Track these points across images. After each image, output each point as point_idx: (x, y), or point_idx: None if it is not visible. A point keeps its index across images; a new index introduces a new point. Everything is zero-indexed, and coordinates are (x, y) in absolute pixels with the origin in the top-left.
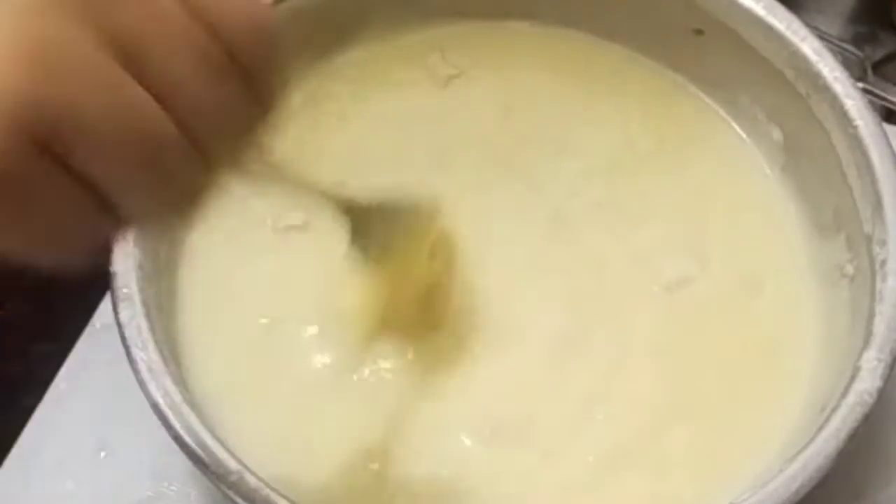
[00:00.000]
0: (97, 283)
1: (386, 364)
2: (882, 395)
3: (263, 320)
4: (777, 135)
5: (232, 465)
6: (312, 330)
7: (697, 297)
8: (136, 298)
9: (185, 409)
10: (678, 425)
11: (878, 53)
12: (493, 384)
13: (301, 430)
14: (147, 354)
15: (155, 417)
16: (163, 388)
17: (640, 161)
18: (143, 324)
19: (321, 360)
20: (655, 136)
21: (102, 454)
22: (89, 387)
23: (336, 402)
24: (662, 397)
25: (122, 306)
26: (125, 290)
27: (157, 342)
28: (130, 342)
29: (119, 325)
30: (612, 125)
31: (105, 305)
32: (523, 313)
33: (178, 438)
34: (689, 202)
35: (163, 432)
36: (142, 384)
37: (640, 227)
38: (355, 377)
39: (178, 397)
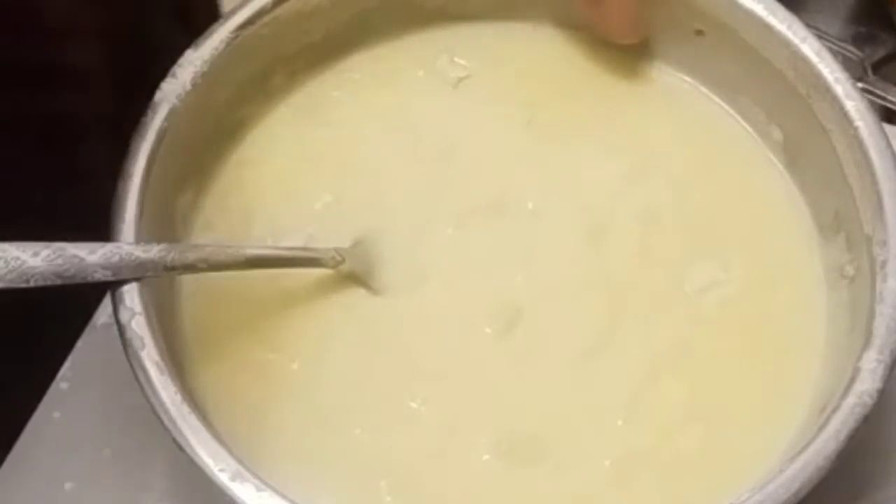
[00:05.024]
0: (96, 282)
1: None
2: (882, 395)
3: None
4: (777, 135)
5: (233, 467)
6: None
7: (721, 300)
8: (136, 297)
9: (185, 410)
10: (692, 428)
11: (878, 53)
12: (517, 388)
13: (305, 431)
14: (147, 353)
15: (156, 418)
16: (163, 388)
17: (658, 163)
18: (143, 322)
19: None
20: (671, 137)
21: (102, 454)
22: (89, 387)
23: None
24: (682, 400)
25: (121, 307)
26: (124, 291)
27: (156, 342)
28: (130, 341)
29: (118, 324)
30: (629, 125)
31: (105, 305)
32: (548, 318)
33: (177, 440)
34: (708, 204)
35: (163, 432)
36: (141, 385)
37: (664, 230)
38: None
39: (177, 397)
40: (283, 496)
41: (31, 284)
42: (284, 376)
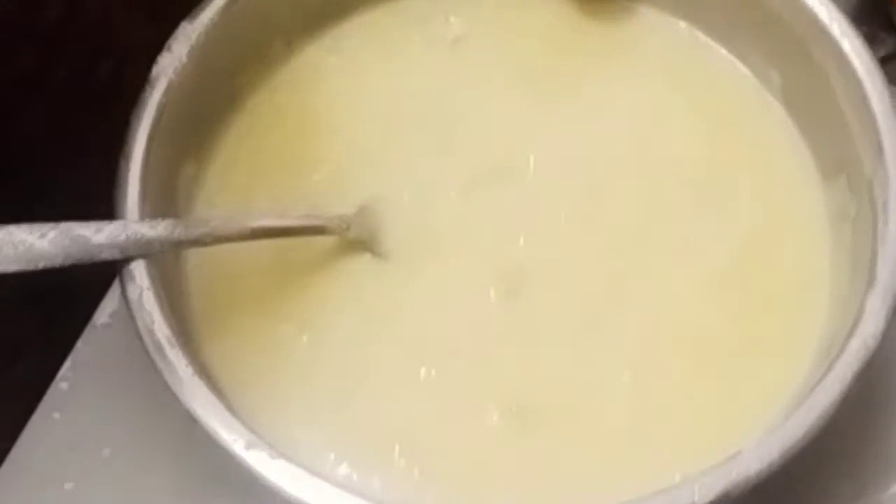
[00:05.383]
0: (97, 282)
1: None
2: (884, 390)
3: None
4: (776, 78)
5: (247, 436)
6: None
7: (726, 250)
8: (144, 273)
9: (198, 382)
10: (700, 379)
11: (878, 53)
12: (524, 350)
13: (316, 401)
14: (157, 328)
15: (155, 417)
16: (175, 361)
17: (659, 115)
18: (151, 298)
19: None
20: (671, 87)
21: (103, 454)
22: (89, 387)
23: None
24: (689, 353)
25: (129, 284)
26: (132, 268)
27: (165, 317)
28: (140, 317)
29: (127, 301)
30: (629, 79)
31: (105, 305)
32: (554, 279)
33: (192, 412)
34: (710, 152)
35: (163, 432)
36: (153, 359)
37: (666, 183)
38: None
39: (189, 370)
40: (298, 463)
41: (40, 266)
42: (294, 347)
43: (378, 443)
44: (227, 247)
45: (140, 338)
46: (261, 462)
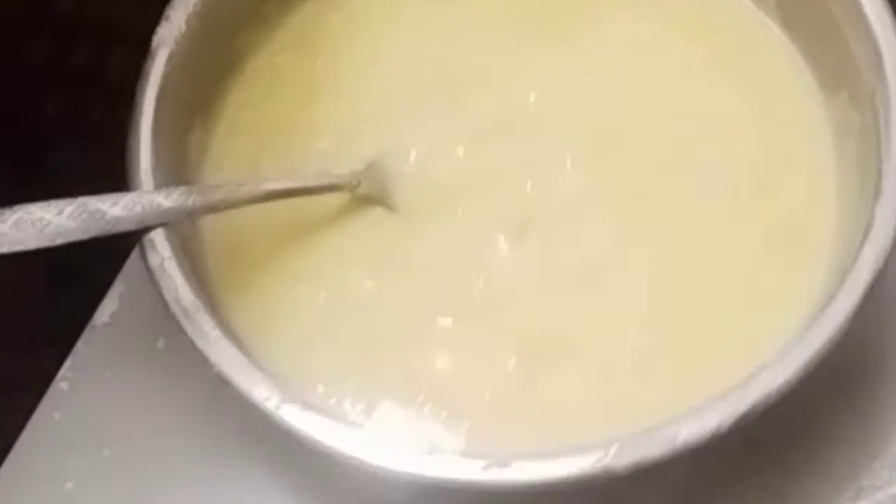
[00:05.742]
0: (96, 282)
1: None
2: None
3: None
4: None
5: (279, 394)
6: None
7: (733, 177)
8: (164, 242)
9: (227, 344)
10: (718, 306)
11: None
12: (537, 295)
13: (339, 357)
14: (182, 294)
15: (156, 418)
16: (203, 325)
17: (658, 50)
18: (174, 265)
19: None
20: (669, 17)
21: (103, 454)
22: (89, 387)
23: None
24: (700, 286)
25: (150, 252)
26: (151, 237)
27: (189, 282)
28: (163, 285)
29: (149, 270)
30: (625, 13)
31: (105, 305)
32: (563, 224)
33: (224, 375)
34: (711, 82)
35: (163, 432)
36: (181, 325)
37: (669, 118)
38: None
39: (216, 332)
40: (329, 415)
41: (58, 243)
42: (312, 305)
43: (403, 391)
44: (240, 211)
45: (166, 305)
46: (293, 417)
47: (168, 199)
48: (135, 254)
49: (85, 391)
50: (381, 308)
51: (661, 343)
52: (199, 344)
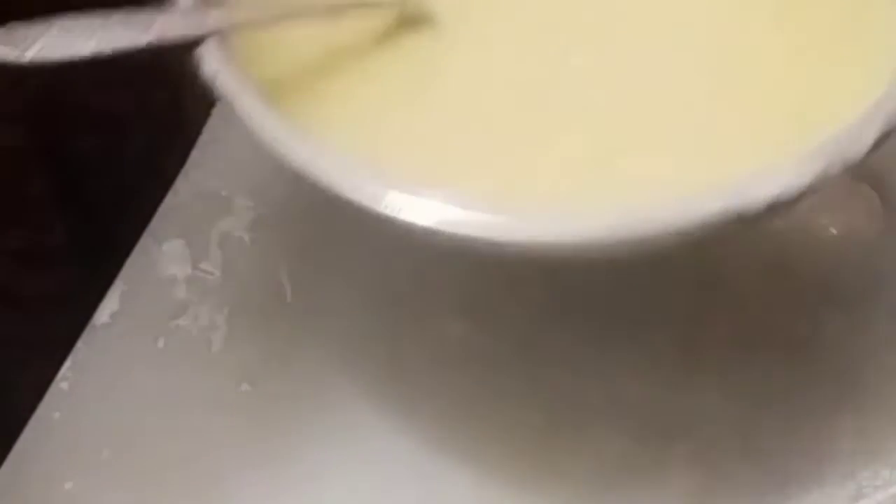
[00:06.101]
0: (96, 281)
1: None
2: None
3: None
4: None
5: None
6: None
7: None
8: (214, 55)
9: (314, 141)
10: (798, 68)
11: None
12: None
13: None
14: (248, 98)
15: (156, 418)
16: (282, 119)
17: None
18: (230, 74)
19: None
20: None
21: (103, 454)
22: (89, 387)
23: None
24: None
25: (205, 66)
26: (201, 50)
27: (249, 89)
28: (226, 94)
29: (206, 81)
30: None
31: (105, 305)
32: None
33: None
34: None
35: (162, 433)
36: (257, 131)
37: None
38: None
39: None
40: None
41: (106, 51)
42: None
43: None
44: (281, 30)
45: (237, 112)
46: (379, 198)
47: (205, 17)
48: (135, 254)
49: (85, 391)
50: (449, 121)
51: (740, 116)
52: (280, 144)
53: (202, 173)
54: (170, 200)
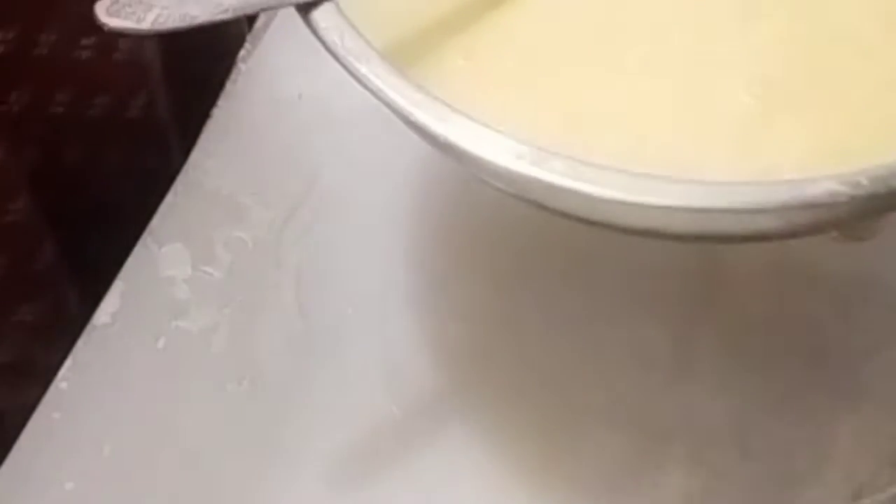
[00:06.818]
0: (96, 281)
1: None
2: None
3: None
4: None
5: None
6: None
7: None
8: (332, 14)
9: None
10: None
11: None
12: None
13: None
14: (371, 60)
15: (156, 418)
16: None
17: None
18: (354, 36)
19: None
20: None
21: (103, 454)
22: (89, 387)
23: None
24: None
25: (321, 32)
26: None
27: (371, 48)
28: (351, 56)
29: (328, 46)
30: None
31: (105, 305)
32: None
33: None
34: None
35: (163, 433)
36: (383, 92)
37: None
38: None
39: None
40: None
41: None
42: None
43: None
44: None
45: (359, 78)
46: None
47: None
48: (135, 254)
49: (85, 391)
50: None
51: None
52: (412, 105)
53: (202, 173)
54: (170, 200)
